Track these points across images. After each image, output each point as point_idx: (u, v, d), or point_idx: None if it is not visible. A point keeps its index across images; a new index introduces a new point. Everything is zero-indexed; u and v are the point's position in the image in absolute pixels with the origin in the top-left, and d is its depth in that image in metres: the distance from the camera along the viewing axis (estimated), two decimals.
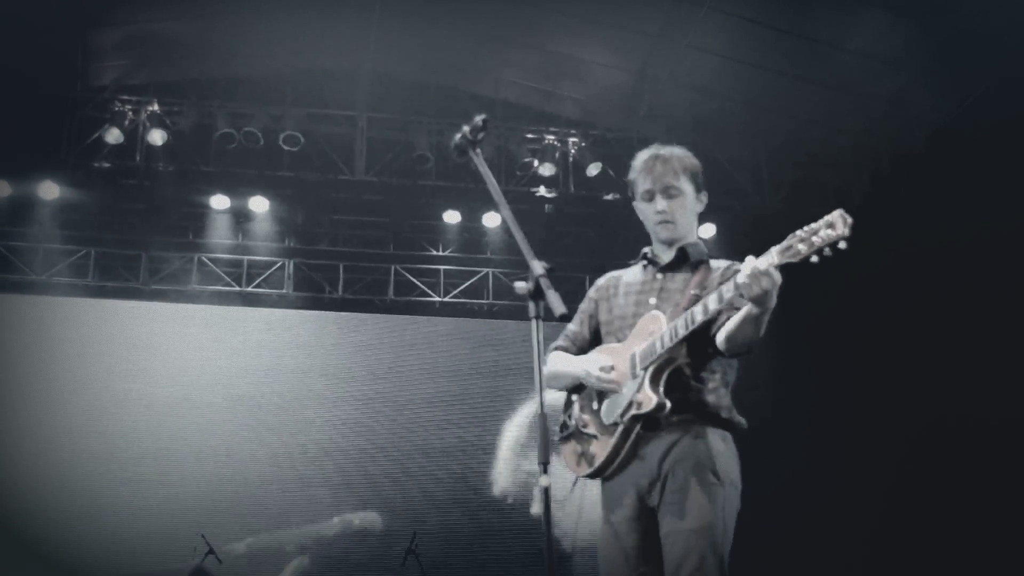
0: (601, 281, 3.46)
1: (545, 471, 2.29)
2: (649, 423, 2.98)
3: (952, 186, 7.57)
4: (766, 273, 2.65)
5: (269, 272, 9.85)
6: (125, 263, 9.65)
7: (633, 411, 2.98)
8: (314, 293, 9.99)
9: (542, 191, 9.53)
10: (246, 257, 9.81)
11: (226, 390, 9.22)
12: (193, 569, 7.25)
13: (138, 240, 9.59)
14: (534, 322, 2.42)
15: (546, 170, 9.43)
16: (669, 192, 3.22)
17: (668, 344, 2.94)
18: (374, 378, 9.63)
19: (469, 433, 9.57)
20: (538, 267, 2.47)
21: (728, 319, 2.87)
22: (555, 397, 3.29)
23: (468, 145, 2.81)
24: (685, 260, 3.22)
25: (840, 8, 7.84)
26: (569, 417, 3.26)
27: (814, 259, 2.59)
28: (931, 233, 7.70)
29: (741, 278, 2.68)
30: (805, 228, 2.61)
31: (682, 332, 2.91)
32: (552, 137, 9.55)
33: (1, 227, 9.15)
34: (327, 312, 9.91)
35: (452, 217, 9.79)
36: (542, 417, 2.35)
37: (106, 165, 8.90)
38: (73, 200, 9.06)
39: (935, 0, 7.36)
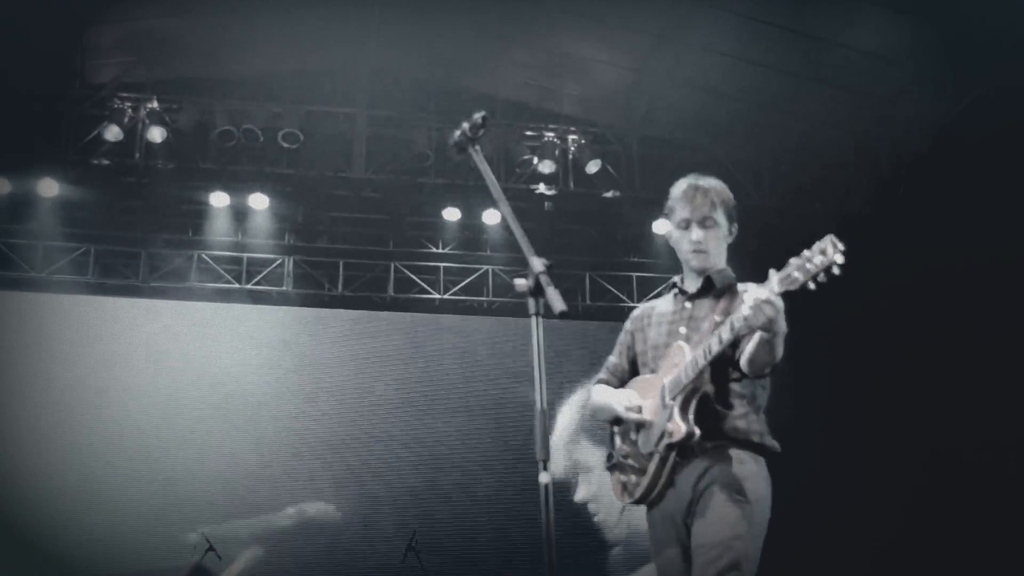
0: (636, 312, 3.60)
1: (545, 468, 2.29)
2: (683, 451, 3.11)
3: (953, 186, 7.56)
4: (768, 302, 2.76)
5: (269, 269, 9.85)
6: (125, 260, 9.64)
7: (666, 440, 3.10)
8: (314, 290, 9.99)
9: (542, 188, 9.52)
10: (246, 254, 9.80)
11: (225, 387, 9.21)
12: (193, 567, 7.25)
13: (138, 237, 9.59)
14: (534, 319, 2.42)
15: (546, 167, 9.43)
16: (705, 223, 3.31)
17: (691, 375, 3.06)
18: (374, 374, 9.64)
19: (468, 426, 9.58)
20: (538, 264, 2.46)
21: (748, 342, 2.98)
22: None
23: (468, 142, 2.81)
24: (711, 287, 3.32)
25: (841, 6, 7.82)
26: (613, 449, 3.40)
27: (811, 285, 2.69)
28: (932, 236, 7.69)
29: (745, 309, 2.81)
30: (800, 255, 2.71)
31: (701, 362, 3.03)
32: (552, 134, 9.55)
33: (1, 224, 9.14)
34: (327, 309, 9.91)
35: (452, 214, 9.79)
36: (542, 414, 2.34)
37: (105, 162, 8.89)
38: (73, 197, 9.05)
39: None
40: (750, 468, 3.09)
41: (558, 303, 2.39)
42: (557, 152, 9.49)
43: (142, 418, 8.92)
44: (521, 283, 2.48)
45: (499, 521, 9.11)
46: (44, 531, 8.10)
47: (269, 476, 9.04)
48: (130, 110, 8.85)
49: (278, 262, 9.89)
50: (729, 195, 3.39)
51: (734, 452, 3.10)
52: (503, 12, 8.71)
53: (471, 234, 10.14)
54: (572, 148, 9.53)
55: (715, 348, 2.97)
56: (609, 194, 9.54)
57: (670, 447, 3.10)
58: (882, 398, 8.31)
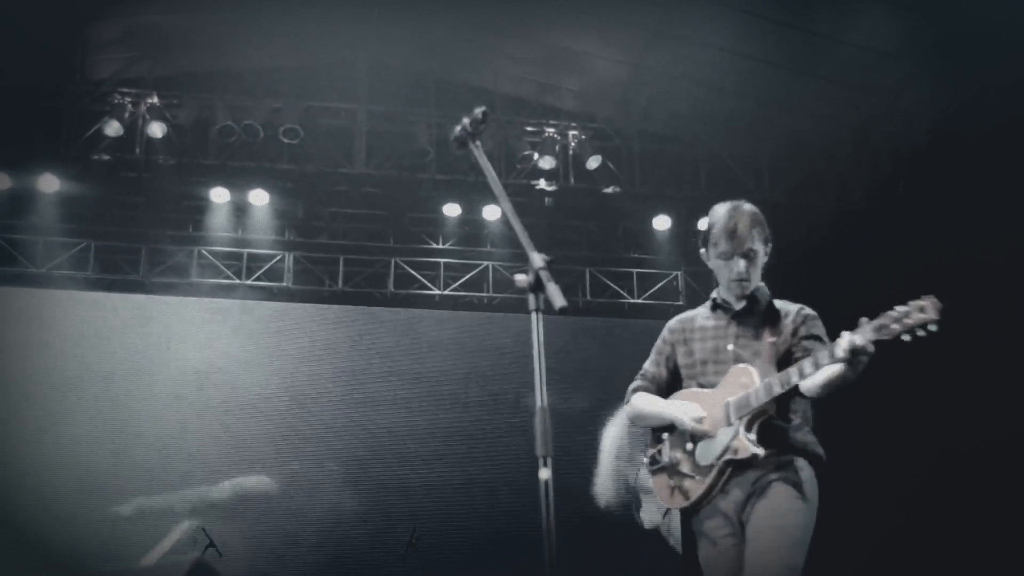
0: (673, 324, 3.70)
1: (545, 464, 2.29)
2: (740, 464, 3.31)
3: (953, 181, 7.56)
4: (864, 350, 2.97)
5: (269, 265, 9.85)
6: (125, 256, 9.64)
7: (729, 456, 3.30)
8: (314, 286, 10.00)
9: (542, 184, 9.52)
10: (246, 250, 9.80)
11: (226, 385, 9.22)
12: (194, 562, 7.24)
13: (138, 233, 9.59)
14: (534, 315, 2.42)
15: (546, 163, 9.43)
16: (748, 255, 3.44)
17: (763, 399, 3.25)
18: (374, 370, 9.65)
19: (467, 422, 9.58)
20: (538, 260, 2.46)
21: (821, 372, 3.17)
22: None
23: (468, 138, 2.80)
24: (756, 305, 3.51)
25: (840, 0, 7.82)
26: (659, 453, 3.55)
27: (905, 338, 2.90)
28: (931, 230, 7.69)
29: (840, 352, 2.99)
30: (897, 309, 2.93)
31: (777, 390, 3.22)
32: (552, 130, 9.55)
33: (1, 220, 9.14)
34: (327, 305, 9.92)
35: (452, 210, 9.79)
36: (542, 411, 2.34)
37: (106, 158, 8.89)
38: (73, 193, 9.05)
39: None
40: (806, 473, 3.33)
41: (558, 299, 2.38)
42: (557, 148, 9.49)
43: (142, 415, 8.92)
44: (521, 279, 2.47)
45: (499, 518, 9.11)
46: (45, 528, 8.11)
47: (267, 474, 9.04)
48: (130, 106, 8.85)
49: (278, 258, 9.89)
50: (764, 220, 3.51)
51: (791, 458, 3.33)
52: (503, 7, 8.71)
53: (471, 230, 10.14)
54: (572, 144, 9.53)
55: (794, 380, 3.17)
56: (609, 190, 9.54)
57: (731, 463, 3.30)
58: (880, 395, 8.29)
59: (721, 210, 3.49)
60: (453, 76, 9.84)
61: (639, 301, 10.26)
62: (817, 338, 3.41)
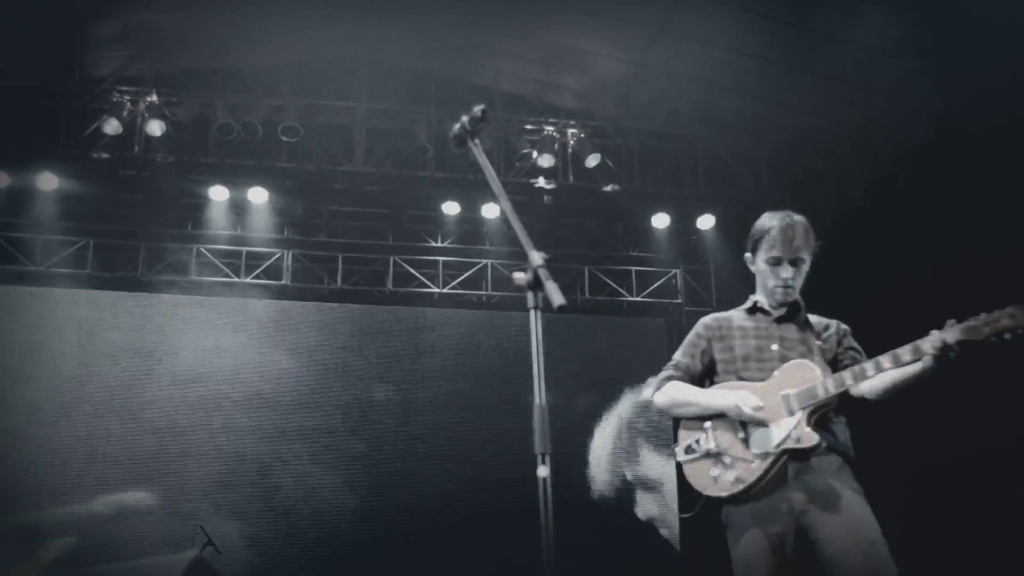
0: (709, 321, 3.73)
1: (543, 461, 2.29)
2: (797, 455, 3.33)
3: (954, 178, 7.55)
4: (952, 348, 3.07)
5: (268, 263, 9.85)
6: (124, 254, 9.64)
7: (790, 444, 3.32)
8: (313, 284, 9.99)
9: (541, 182, 9.51)
10: (245, 248, 9.80)
11: (224, 382, 9.22)
12: (192, 560, 7.25)
13: (137, 231, 9.60)
14: (532, 313, 2.42)
15: (545, 161, 9.42)
16: (796, 262, 3.54)
17: (833, 391, 3.33)
18: (373, 368, 9.65)
19: (467, 420, 9.59)
20: (537, 258, 2.46)
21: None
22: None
23: (467, 136, 2.79)
24: (796, 314, 3.61)
25: None
26: (697, 442, 3.52)
27: (993, 339, 3.04)
28: (931, 228, 7.68)
29: (929, 348, 3.10)
30: (987, 314, 3.06)
31: (849, 382, 3.31)
32: (551, 128, 9.55)
33: (0, 218, 9.14)
34: (326, 303, 9.92)
35: (451, 208, 9.79)
36: (541, 408, 2.34)
37: (105, 156, 8.88)
38: (72, 191, 9.05)
39: None
40: (857, 475, 3.39)
41: (557, 297, 2.38)
42: (556, 146, 9.48)
43: (143, 412, 8.93)
44: (520, 277, 2.47)
45: (498, 515, 9.12)
46: (41, 523, 8.13)
47: (268, 471, 9.05)
48: (129, 104, 8.84)
49: (277, 256, 9.89)
50: (811, 228, 3.60)
51: (841, 462, 3.38)
52: (503, 5, 8.69)
53: (470, 228, 10.13)
54: (572, 142, 9.52)
55: (871, 373, 3.26)
56: (608, 188, 9.54)
57: (790, 451, 3.32)
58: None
59: (775, 217, 3.58)
60: (453, 74, 9.83)
61: (638, 299, 10.26)
62: (858, 351, 3.52)
